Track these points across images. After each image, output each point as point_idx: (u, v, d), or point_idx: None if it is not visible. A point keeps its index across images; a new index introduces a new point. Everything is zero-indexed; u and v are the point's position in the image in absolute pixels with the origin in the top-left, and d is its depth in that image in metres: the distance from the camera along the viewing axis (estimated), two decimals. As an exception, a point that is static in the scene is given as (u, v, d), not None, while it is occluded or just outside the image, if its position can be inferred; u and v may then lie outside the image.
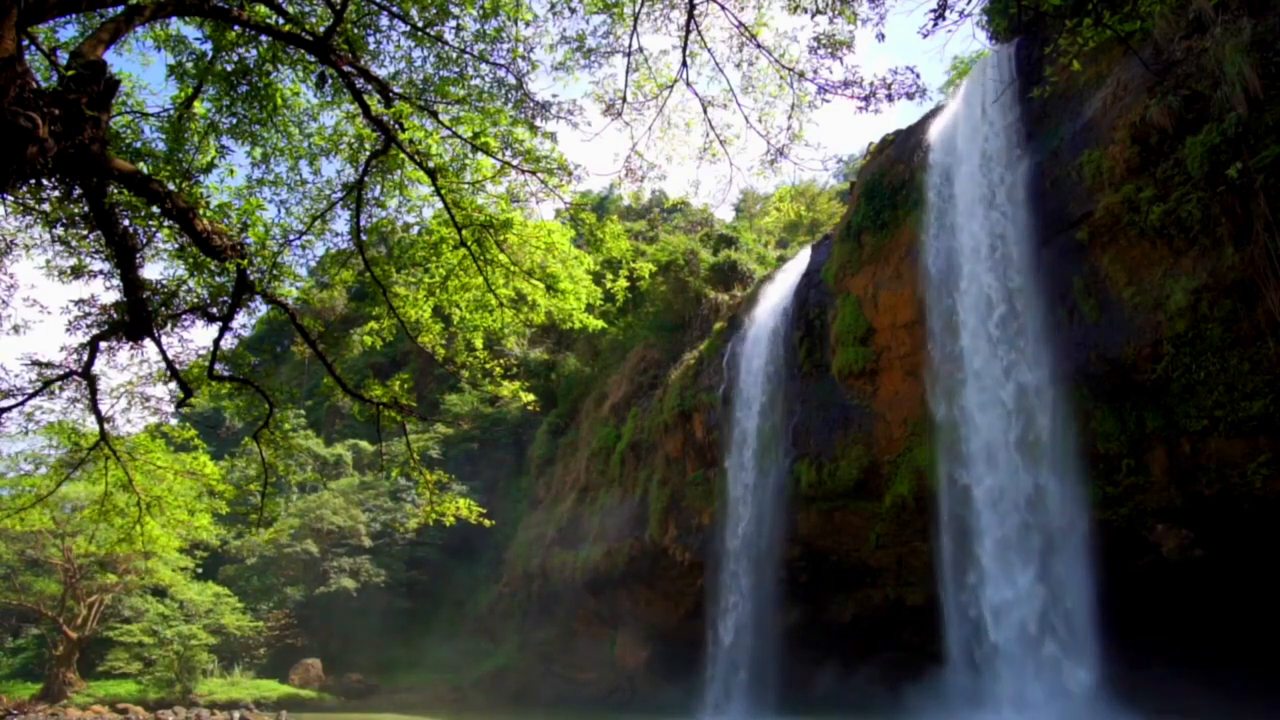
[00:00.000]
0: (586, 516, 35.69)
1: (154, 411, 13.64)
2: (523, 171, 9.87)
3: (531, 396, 13.75)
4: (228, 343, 10.89)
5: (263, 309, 10.95)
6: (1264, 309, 14.15)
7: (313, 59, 9.07)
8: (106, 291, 11.25)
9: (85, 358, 10.85)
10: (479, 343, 12.18)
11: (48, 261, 10.12)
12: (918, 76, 8.76)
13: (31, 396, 11.56)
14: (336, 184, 10.99)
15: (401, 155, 9.76)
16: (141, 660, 39.85)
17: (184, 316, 10.30)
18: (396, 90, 9.53)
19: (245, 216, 9.21)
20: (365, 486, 48.55)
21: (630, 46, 9.66)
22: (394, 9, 9.32)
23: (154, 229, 9.11)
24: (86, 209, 8.45)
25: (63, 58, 7.30)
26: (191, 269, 9.83)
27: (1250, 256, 14.25)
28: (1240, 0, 15.10)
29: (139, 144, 9.06)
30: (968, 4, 7.49)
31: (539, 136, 9.80)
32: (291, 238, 10.69)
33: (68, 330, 10.45)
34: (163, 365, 11.20)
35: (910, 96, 8.85)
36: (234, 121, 9.78)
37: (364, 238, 10.77)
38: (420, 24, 9.43)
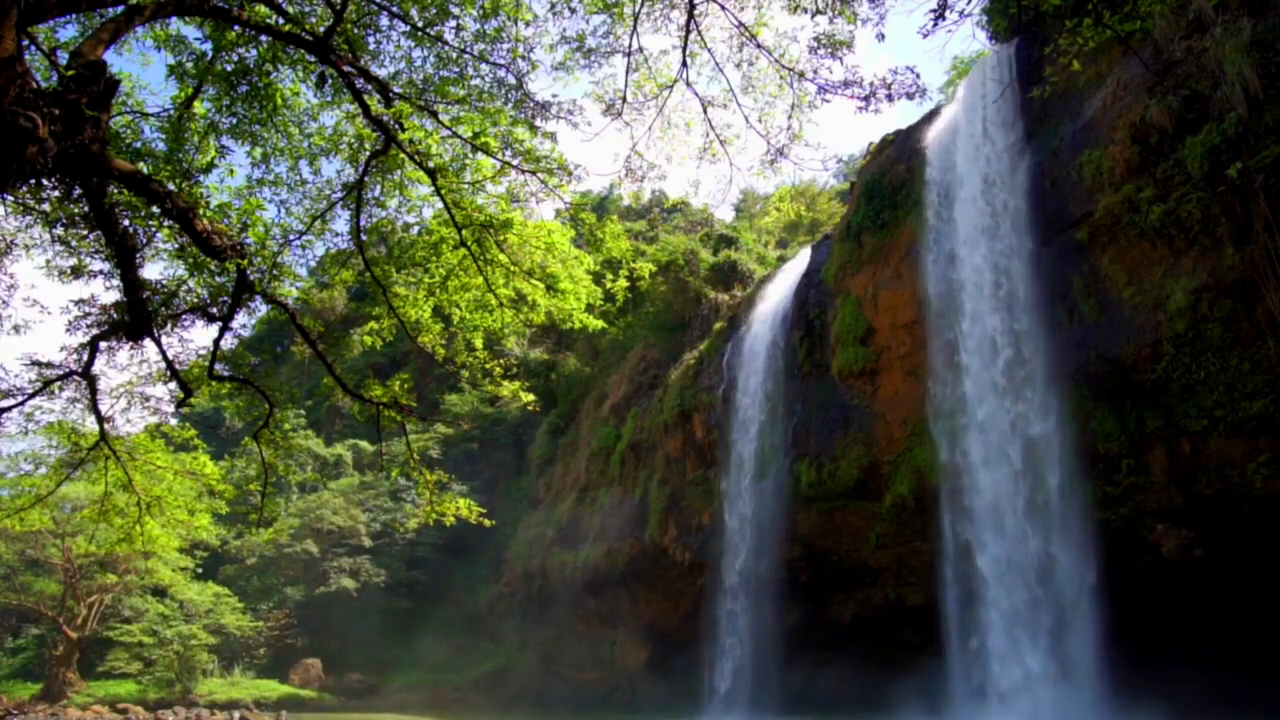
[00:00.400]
0: (586, 516, 35.69)
1: (154, 411, 13.64)
2: (523, 171, 9.87)
3: (531, 396, 13.75)
4: (228, 343, 10.89)
5: (263, 309, 10.94)
6: (1264, 309, 14.16)
7: (313, 59, 9.07)
8: (106, 291, 11.25)
9: (85, 358, 10.85)
10: (479, 343, 12.17)
11: (48, 261, 10.12)
12: (918, 76, 8.76)
13: (31, 396, 11.55)
14: (336, 184, 11.00)
15: (401, 155, 9.76)
16: (141, 660, 39.86)
17: (184, 316, 10.30)
18: (396, 90, 9.53)
19: (245, 216, 9.20)
20: (365, 486, 48.56)
21: (630, 46, 9.66)
22: (394, 9, 9.32)
23: (154, 229, 9.11)
24: (86, 209, 8.45)
25: (63, 58, 7.30)
26: (191, 269, 9.82)
27: (1250, 256, 14.26)
28: (1240, 0, 15.10)
29: (139, 144, 9.05)
30: (968, 4, 7.49)
31: (539, 136, 9.81)
32: (291, 238, 10.69)
33: (68, 330, 10.44)
34: (163, 365, 11.20)
35: (910, 96, 8.85)
36: (234, 121, 9.78)
37: (364, 238, 10.77)
38: (420, 24, 9.43)
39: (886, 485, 21.97)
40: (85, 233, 9.42)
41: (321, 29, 8.86)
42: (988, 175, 20.45)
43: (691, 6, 9.12)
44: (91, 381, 11.33)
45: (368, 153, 10.00)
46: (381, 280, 11.24)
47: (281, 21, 8.63)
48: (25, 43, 6.34)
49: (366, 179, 10.30)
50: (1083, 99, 18.23)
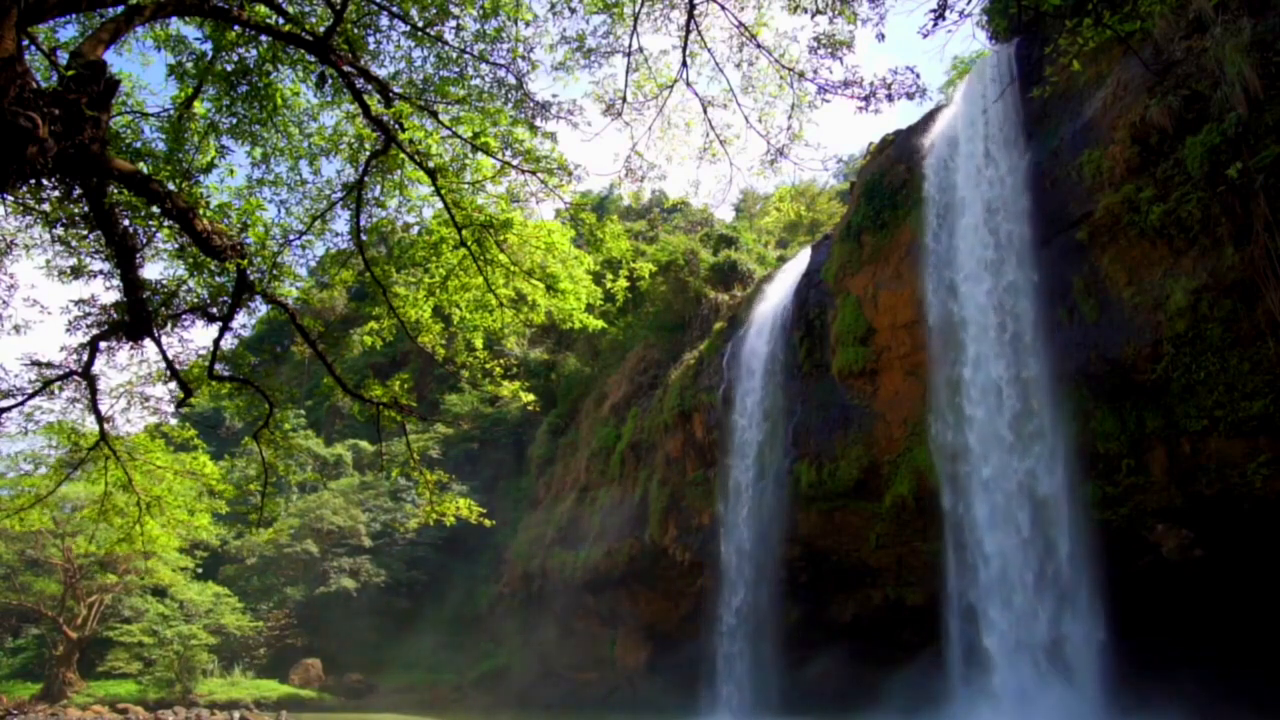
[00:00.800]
0: (586, 516, 35.69)
1: (154, 411, 13.64)
2: (523, 171, 9.87)
3: (531, 396, 13.75)
4: (228, 343, 10.89)
5: (263, 309, 10.94)
6: (1264, 309, 14.16)
7: (313, 59, 9.07)
8: (106, 291, 11.25)
9: (85, 358, 10.85)
10: (479, 343, 12.17)
11: (48, 261, 10.11)
12: (918, 76, 8.76)
13: (31, 396, 11.55)
14: (336, 184, 10.99)
15: (401, 155, 9.75)
16: (141, 660, 39.85)
17: (184, 316, 10.30)
18: (396, 90, 9.53)
19: (245, 216, 9.20)
20: (365, 486, 48.55)
21: (630, 46, 9.66)
22: (394, 9, 9.31)
23: (154, 229, 9.11)
24: (86, 209, 8.45)
25: (63, 58, 7.30)
26: (191, 269, 9.82)
27: (1250, 256, 14.26)
28: (1240, 0, 15.10)
29: (139, 144, 9.05)
30: (968, 4, 7.49)
31: (539, 136, 9.80)
32: (291, 238, 10.69)
33: (68, 330, 10.44)
34: (163, 365, 11.20)
35: (910, 96, 8.84)
36: (234, 121, 9.77)
37: (364, 238, 10.76)
38: (420, 24, 9.43)
39: (886, 485, 21.97)
40: (85, 233, 9.42)
41: (321, 29, 8.86)
42: (988, 175, 20.45)
43: (691, 6, 9.12)
44: (91, 381, 11.32)
45: (368, 153, 9.99)
46: (381, 280, 11.24)
47: (281, 21, 8.63)
48: (25, 43, 6.34)
49: (366, 179, 10.30)
50: (1083, 99, 18.23)
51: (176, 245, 9.53)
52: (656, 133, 10.51)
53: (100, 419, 12.28)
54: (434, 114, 9.66)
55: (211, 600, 42.05)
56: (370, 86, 9.34)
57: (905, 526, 21.85)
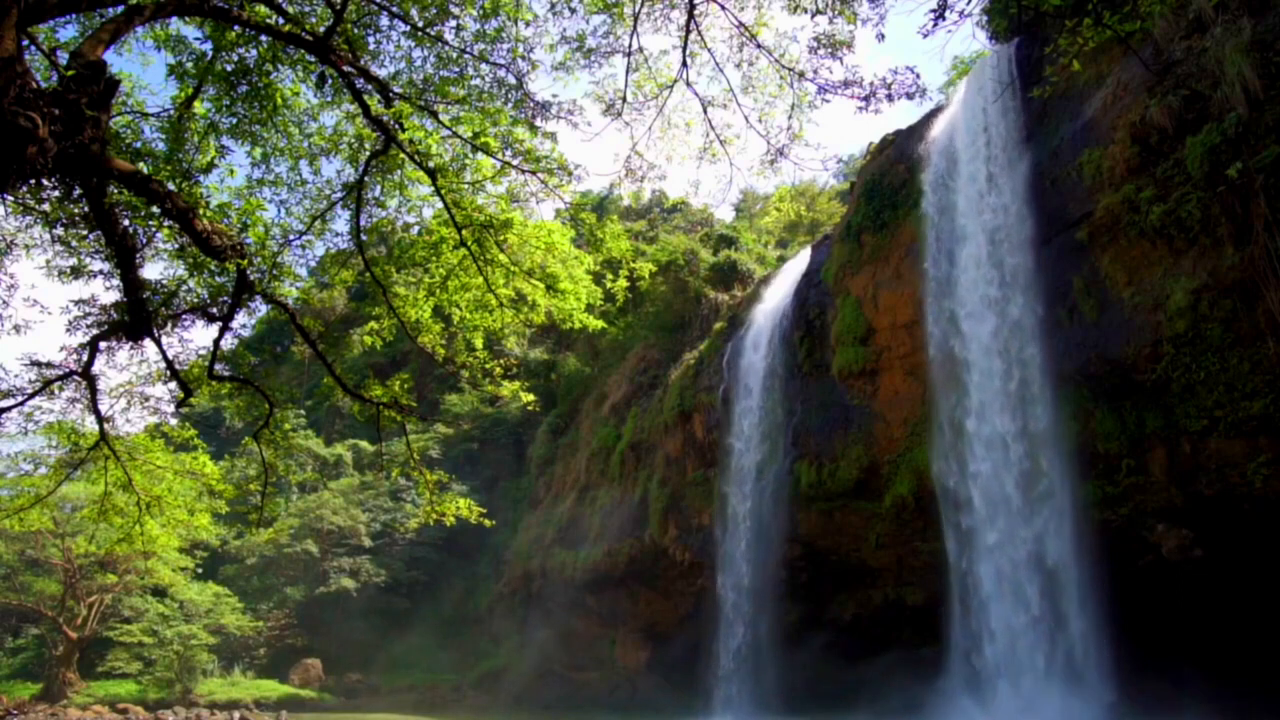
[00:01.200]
0: (586, 516, 35.69)
1: (154, 411, 13.63)
2: (523, 171, 9.87)
3: (531, 396, 13.77)
4: (228, 343, 10.89)
5: (263, 309, 10.93)
6: (1264, 309, 14.16)
7: (313, 59, 9.07)
8: (106, 291, 11.26)
9: (85, 358, 10.84)
10: (479, 343, 12.17)
11: (48, 261, 10.11)
12: (918, 76, 8.76)
13: (31, 396, 11.54)
14: (336, 184, 11.00)
15: (401, 155, 9.76)
16: (141, 660, 39.85)
17: (184, 316, 10.29)
18: (396, 90, 9.53)
19: (245, 216, 9.20)
20: (365, 486, 48.56)
21: (630, 46, 9.66)
22: (394, 9, 9.31)
23: (154, 229, 9.10)
24: (86, 209, 8.45)
25: (63, 58, 7.30)
26: (191, 269, 9.82)
27: (1250, 256, 14.26)
28: (1240, 0, 15.10)
29: (139, 144, 9.05)
30: (968, 4, 7.49)
31: (539, 136, 9.79)
32: (291, 238, 10.69)
33: (68, 330, 10.44)
34: (163, 365, 11.19)
35: (910, 96, 8.84)
36: (234, 121, 9.78)
37: (364, 238, 10.77)
38: (420, 24, 9.43)
39: (886, 485, 21.97)
40: (85, 233, 9.42)
41: (321, 29, 8.86)
42: (988, 175, 20.44)
43: (691, 6, 9.12)
44: (91, 381, 11.32)
45: (368, 153, 10.00)
46: (381, 280, 11.24)
47: (281, 21, 8.63)
48: (25, 43, 6.34)
49: (366, 179, 10.31)
50: (1083, 99, 18.23)
51: (176, 245, 9.52)
52: (656, 133, 10.52)
53: (100, 419, 12.28)
54: (434, 114, 9.66)
55: (211, 600, 42.05)
56: (370, 86, 9.34)
57: (905, 526, 21.85)
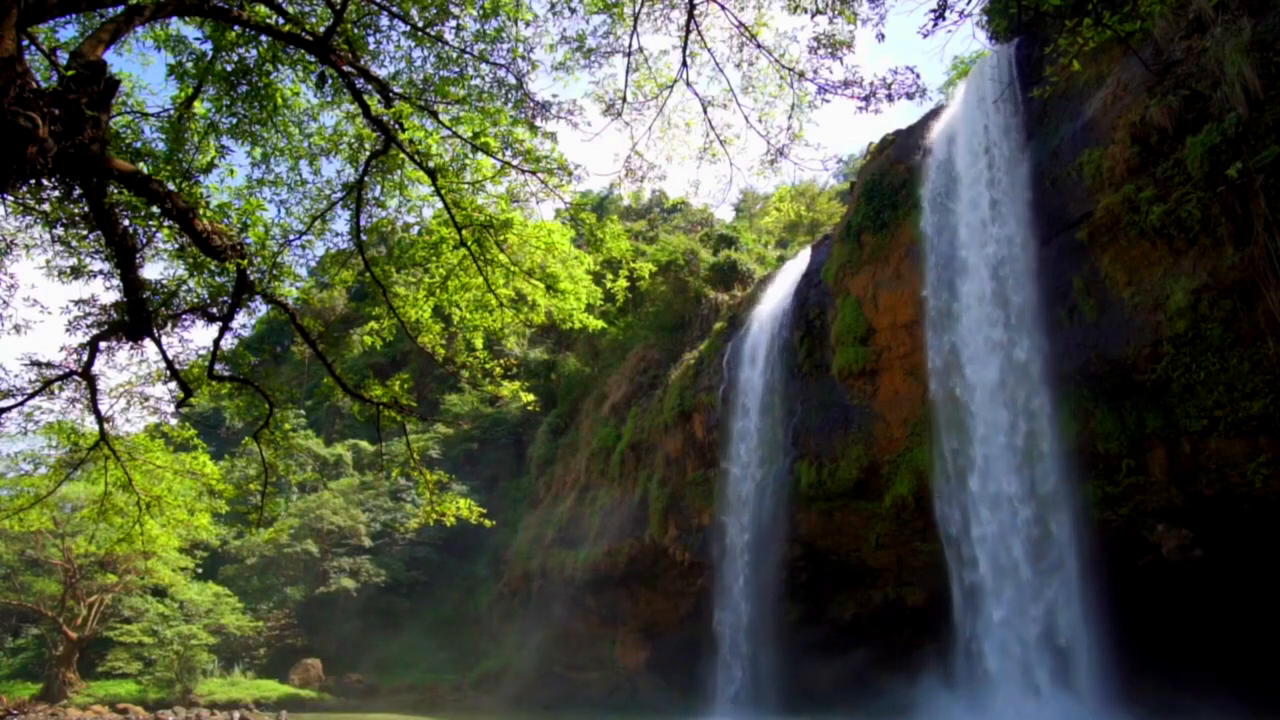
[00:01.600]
0: (586, 516, 35.69)
1: (154, 411, 13.63)
2: (523, 171, 9.87)
3: (531, 396, 13.77)
4: (228, 343, 10.89)
5: (263, 309, 10.93)
6: (1264, 309, 14.16)
7: (313, 59, 9.07)
8: (106, 291, 11.27)
9: (85, 358, 10.84)
10: (479, 343, 12.17)
11: (48, 261, 10.11)
12: (918, 76, 8.76)
13: (31, 396, 11.54)
14: (336, 184, 11.00)
15: (401, 155, 9.75)
16: (141, 660, 39.85)
17: (184, 316, 10.29)
18: (396, 90, 9.53)
19: (245, 216, 9.19)
20: (365, 486, 48.56)
21: (630, 46, 9.66)
22: (394, 9, 9.31)
23: (154, 229, 9.10)
24: (86, 209, 8.45)
25: (63, 58, 7.29)
26: (191, 269, 9.82)
27: (1250, 256, 14.26)
28: (1240, 0, 15.10)
29: (139, 144, 9.04)
30: (968, 4, 7.48)
31: (539, 136, 9.79)
32: (291, 238, 10.69)
33: (68, 330, 10.43)
34: (163, 365, 11.19)
35: (910, 96, 8.84)
36: (234, 121, 9.77)
37: (364, 238, 10.76)
38: (420, 24, 9.43)
39: (886, 485, 21.97)
40: (85, 233, 9.42)
41: (321, 29, 8.86)
42: (988, 175, 20.44)
43: (691, 6, 9.12)
44: (91, 381, 11.32)
45: (368, 153, 10.00)
46: (381, 280, 11.24)
47: (281, 21, 8.63)
48: (25, 43, 6.34)
49: (366, 179, 10.30)
50: (1083, 99, 18.23)
51: (176, 245, 9.52)
52: (656, 133, 10.52)
53: (100, 419, 12.27)
54: (434, 114, 9.66)
55: (211, 600, 42.05)
56: (370, 86, 9.34)
57: (905, 526, 21.84)
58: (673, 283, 37.80)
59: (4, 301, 10.32)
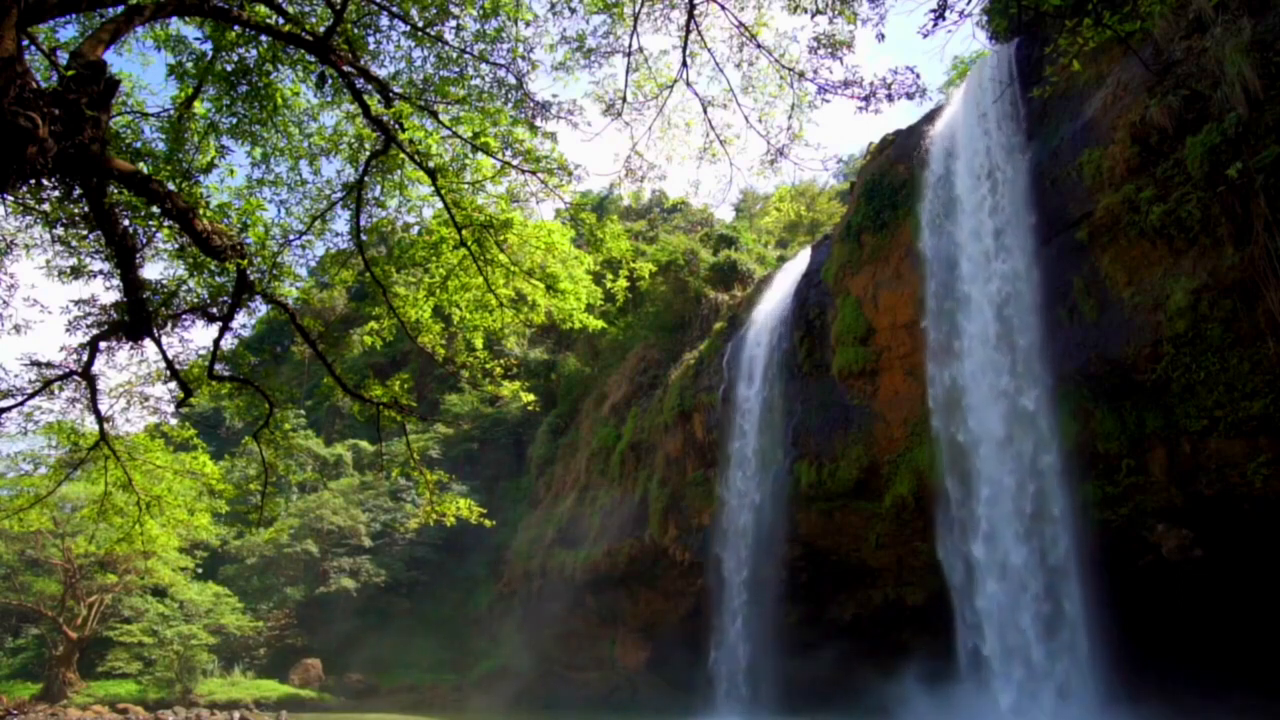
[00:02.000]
0: (586, 516, 35.70)
1: (154, 411, 13.64)
2: (523, 171, 9.87)
3: (531, 396, 13.78)
4: (228, 343, 10.90)
5: (263, 309, 10.94)
6: (1264, 309, 14.16)
7: (313, 59, 9.07)
8: (106, 291, 11.28)
9: (85, 358, 10.85)
10: (479, 343, 12.17)
11: (48, 261, 10.11)
12: (918, 76, 8.76)
13: (31, 396, 11.55)
14: (336, 184, 11.00)
15: (401, 155, 9.76)
16: (141, 660, 39.84)
17: (184, 316, 10.30)
18: (396, 90, 9.53)
19: (245, 216, 9.20)
20: (365, 486, 48.55)
21: (630, 46, 9.66)
22: (394, 9, 9.32)
23: (154, 229, 9.11)
24: (86, 209, 8.45)
25: (63, 58, 7.30)
26: (191, 269, 9.83)
27: (1250, 256, 14.25)
28: (1240, 0, 15.10)
29: (139, 144, 9.05)
30: (968, 4, 7.49)
31: (539, 136, 9.80)
32: (291, 238, 10.69)
33: (68, 330, 10.44)
34: (163, 365, 11.20)
35: (910, 96, 8.85)
36: (234, 121, 9.78)
37: (364, 238, 10.77)
38: (420, 24, 9.43)
39: (886, 485, 21.96)
40: (85, 233, 9.42)
41: (321, 29, 8.86)
42: (988, 175, 20.44)
43: (691, 6, 9.12)
44: (91, 381, 11.32)
45: (368, 153, 10.00)
46: (381, 280, 11.24)
47: (281, 21, 8.63)
48: (25, 43, 6.34)
49: (366, 179, 10.31)
50: (1083, 99, 18.23)
51: (176, 245, 9.53)
52: (656, 133, 10.52)
53: (100, 419, 12.28)
54: (434, 114, 9.66)
55: (211, 600, 42.03)
56: (370, 86, 9.34)
57: (905, 526, 21.84)
58: (673, 283, 37.80)
59: (4, 301, 10.33)
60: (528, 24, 9.70)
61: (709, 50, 9.62)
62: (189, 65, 9.38)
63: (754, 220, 59.17)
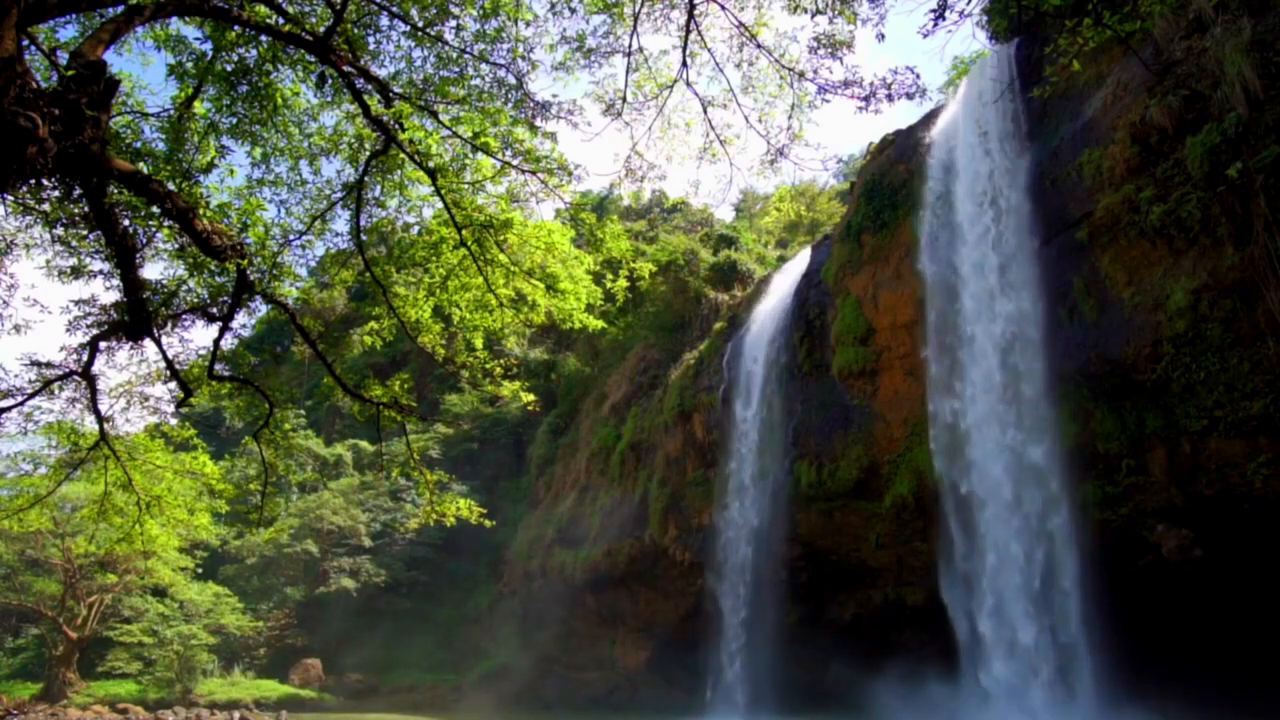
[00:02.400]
0: (586, 516, 35.70)
1: (154, 411, 13.65)
2: (523, 171, 9.87)
3: (531, 396, 13.78)
4: (228, 343, 10.90)
5: (263, 309, 10.94)
6: (1264, 309, 14.15)
7: (313, 59, 9.07)
8: (106, 291, 11.28)
9: (85, 358, 10.85)
10: (479, 343, 12.18)
11: (48, 261, 10.12)
12: (918, 76, 8.76)
13: (31, 396, 11.55)
14: (336, 184, 11.00)
15: (401, 155, 9.76)
16: (141, 660, 39.85)
17: (184, 316, 10.30)
18: (396, 90, 9.53)
19: (245, 216, 9.20)
20: (365, 486, 48.56)
21: (630, 46, 9.66)
22: (394, 9, 9.32)
23: (154, 229, 9.11)
24: (86, 209, 8.45)
25: (63, 58, 7.30)
26: (191, 269, 9.83)
27: (1250, 256, 14.25)
28: (1240, 0, 15.10)
29: (139, 144, 9.05)
30: (968, 4, 7.49)
31: (539, 136, 9.80)
32: (291, 238, 10.70)
33: (68, 330, 10.44)
34: (163, 365, 11.20)
35: (910, 96, 8.85)
36: (234, 121, 9.78)
37: (364, 238, 10.77)
38: (420, 24, 9.43)
39: (886, 485, 21.96)
40: (85, 233, 9.42)
41: (321, 29, 8.86)
42: (988, 175, 20.43)
43: (691, 6, 9.12)
44: (91, 381, 11.32)
45: (368, 153, 10.00)
46: (381, 280, 11.24)
47: (281, 21, 8.64)
48: (25, 43, 6.34)
49: (366, 179, 10.31)
50: (1083, 99, 18.23)
51: (176, 245, 9.53)
52: (656, 133, 10.53)
53: (100, 419, 12.28)
54: (434, 114, 9.66)
55: (211, 600, 42.04)
56: (370, 86, 9.34)
57: (905, 526, 21.84)
58: (673, 283, 37.80)
59: (4, 301, 10.33)
60: (528, 24, 9.71)
61: (709, 50, 9.63)
62: (189, 65, 9.38)
63: (754, 220, 59.18)
